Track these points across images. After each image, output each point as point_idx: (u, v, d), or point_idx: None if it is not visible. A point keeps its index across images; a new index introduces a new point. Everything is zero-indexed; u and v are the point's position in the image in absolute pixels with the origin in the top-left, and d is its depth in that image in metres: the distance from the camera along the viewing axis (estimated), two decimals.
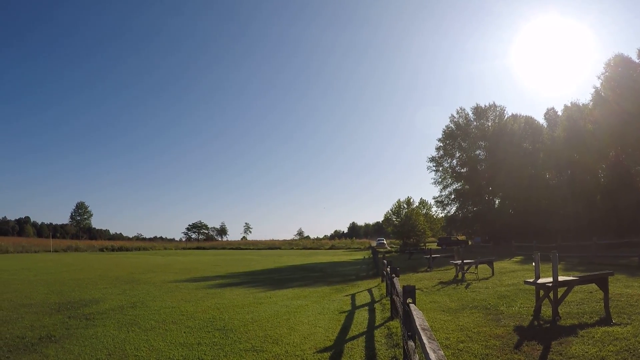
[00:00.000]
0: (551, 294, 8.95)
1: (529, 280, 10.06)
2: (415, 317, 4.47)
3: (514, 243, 34.76)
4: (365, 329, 9.29)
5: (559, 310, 8.97)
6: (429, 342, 3.42)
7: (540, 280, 9.47)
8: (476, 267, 18.51)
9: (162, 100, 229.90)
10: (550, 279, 9.13)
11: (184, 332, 9.12)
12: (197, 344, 8.14)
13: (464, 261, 18.14)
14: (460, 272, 17.78)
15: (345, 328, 9.47)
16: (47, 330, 9.45)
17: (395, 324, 9.30)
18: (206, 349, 7.75)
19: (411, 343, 5.14)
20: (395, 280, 9.31)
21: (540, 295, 9.49)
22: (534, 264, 10.46)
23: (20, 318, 10.83)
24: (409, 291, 5.83)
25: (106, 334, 9.08)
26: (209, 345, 8.00)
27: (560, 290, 9.24)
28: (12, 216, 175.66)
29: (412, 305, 5.07)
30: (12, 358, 7.48)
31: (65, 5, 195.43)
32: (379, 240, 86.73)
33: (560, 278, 9.17)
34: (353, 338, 8.51)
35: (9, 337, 8.84)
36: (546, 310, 9.42)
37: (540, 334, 7.76)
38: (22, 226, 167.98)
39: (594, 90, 41.65)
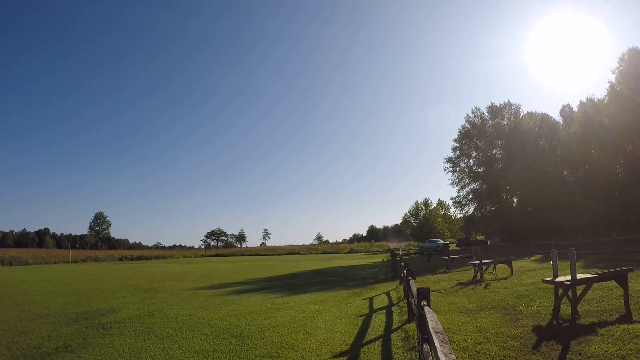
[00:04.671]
0: (570, 293, 8.82)
1: (547, 279, 9.94)
2: (428, 319, 4.42)
3: (532, 242, 34.46)
4: (382, 333, 9.24)
5: (578, 309, 8.83)
6: (441, 346, 3.36)
7: (558, 279, 9.33)
8: (494, 267, 18.32)
9: (179, 110, 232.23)
10: (569, 277, 9.00)
11: (200, 340, 9.12)
12: (212, 351, 8.14)
13: (482, 261, 17.98)
14: (478, 273, 17.59)
15: (362, 332, 9.43)
16: (63, 340, 9.51)
17: (412, 326, 9.23)
18: (222, 356, 7.75)
19: (426, 346, 5.06)
20: (412, 282, 9.24)
21: (559, 294, 9.35)
22: (552, 262, 10.33)
23: (37, 329, 10.92)
24: (423, 293, 5.77)
25: (122, 342, 9.12)
26: (224, 352, 8.00)
27: (579, 288, 9.11)
28: (32, 228, 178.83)
29: (426, 308, 5.01)
30: None
31: (84, 16, 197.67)
32: (430, 241, 73.98)
33: (579, 276, 9.04)
34: (370, 342, 8.47)
35: (25, 347, 8.92)
36: (565, 309, 9.27)
37: (559, 333, 7.63)
38: (41, 238, 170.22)
39: (608, 85, 41.23)
